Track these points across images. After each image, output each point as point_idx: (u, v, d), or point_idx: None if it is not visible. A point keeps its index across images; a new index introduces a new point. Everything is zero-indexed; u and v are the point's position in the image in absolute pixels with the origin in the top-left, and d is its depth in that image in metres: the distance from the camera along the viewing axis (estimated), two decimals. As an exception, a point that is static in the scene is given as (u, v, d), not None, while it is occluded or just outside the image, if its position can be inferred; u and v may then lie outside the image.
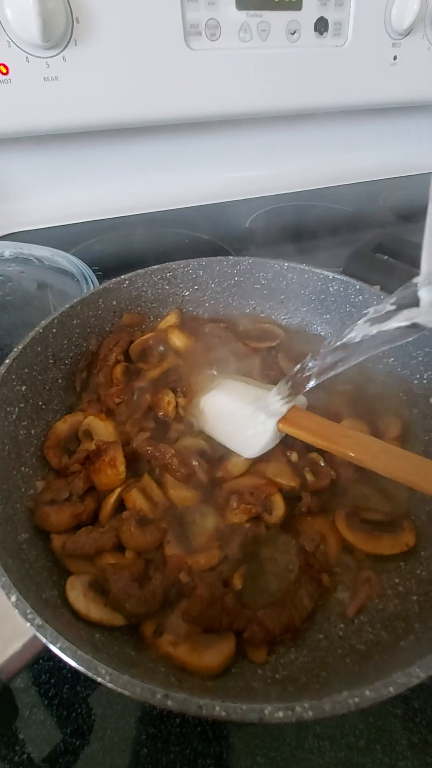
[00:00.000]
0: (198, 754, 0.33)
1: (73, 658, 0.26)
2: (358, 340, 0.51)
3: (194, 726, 0.35)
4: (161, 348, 0.58)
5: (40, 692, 0.37)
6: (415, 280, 0.31)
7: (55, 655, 0.27)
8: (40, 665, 0.38)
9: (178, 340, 0.56)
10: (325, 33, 0.92)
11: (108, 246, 0.91)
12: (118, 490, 0.43)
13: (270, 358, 0.58)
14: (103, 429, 0.46)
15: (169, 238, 0.94)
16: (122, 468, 0.43)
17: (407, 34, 0.97)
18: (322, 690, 0.29)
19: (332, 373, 0.50)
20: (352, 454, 0.37)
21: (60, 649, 0.26)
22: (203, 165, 1.06)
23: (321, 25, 0.91)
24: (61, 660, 0.26)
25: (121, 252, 0.91)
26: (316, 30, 0.91)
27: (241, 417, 0.44)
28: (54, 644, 0.26)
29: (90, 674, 0.26)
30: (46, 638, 0.27)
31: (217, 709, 0.24)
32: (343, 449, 0.37)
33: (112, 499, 0.43)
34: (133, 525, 0.38)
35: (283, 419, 0.42)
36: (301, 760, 0.33)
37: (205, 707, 0.24)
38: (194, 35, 0.84)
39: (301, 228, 1.01)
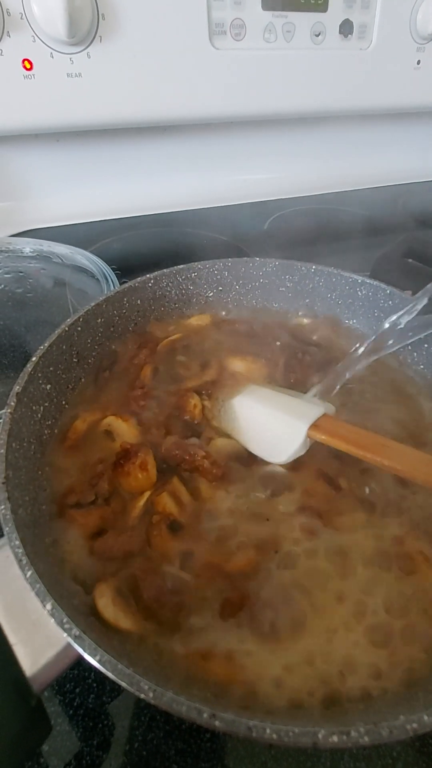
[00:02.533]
0: (230, 772, 0.32)
1: (113, 672, 0.25)
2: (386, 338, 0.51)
3: (225, 742, 0.34)
4: (203, 357, 0.56)
5: (64, 702, 0.36)
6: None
7: (87, 665, 0.26)
8: (65, 674, 0.36)
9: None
10: (350, 35, 0.91)
11: (126, 245, 0.90)
12: (147, 493, 0.42)
13: (294, 361, 0.57)
14: (126, 430, 0.45)
15: (188, 238, 0.94)
16: (154, 471, 0.42)
17: (432, 39, 0.96)
18: (367, 711, 0.28)
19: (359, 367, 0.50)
20: (392, 465, 0.36)
21: (99, 662, 0.25)
22: (223, 166, 1.06)
23: (346, 28, 0.90)
24: (86, 668, 0.25)
25: (139, 251, 0.90)
26: (341, 32, 0.90)
27: (270, 422, 0.44)
28: (93, 657, 0.25)
29: (132, 690, 0.24)
30: (84, 650, 0.25)
31: (268, 731, 0.23)
32: (382, 459, 0.36)
33: (141, 502, 0.42)
34: (164, 530, 0.37)
35: (315, 427, 0.41)
36: (337, 782, 0.32)
37: (255, 729, 0.23)
38: (219, 34, 0.83)
39: (319, 231, 1.00)
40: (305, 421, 0.42)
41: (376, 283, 0.57)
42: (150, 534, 0.38)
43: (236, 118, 0.93)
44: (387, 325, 0.52)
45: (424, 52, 0.98)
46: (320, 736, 0.22)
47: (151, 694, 0.24)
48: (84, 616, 0.31)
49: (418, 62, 0.99)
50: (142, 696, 0.24)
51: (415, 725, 0.23)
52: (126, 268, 0.77)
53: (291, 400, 0.47)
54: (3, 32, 0.72)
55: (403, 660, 0.31)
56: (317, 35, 0.89)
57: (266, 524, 0.39)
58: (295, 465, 0.43)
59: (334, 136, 1.13)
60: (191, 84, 0.84)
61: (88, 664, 0.26)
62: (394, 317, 0.52)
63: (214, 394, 0.51)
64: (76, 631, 0.26)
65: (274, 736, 0.23)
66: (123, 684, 0.24)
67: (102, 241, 0.89)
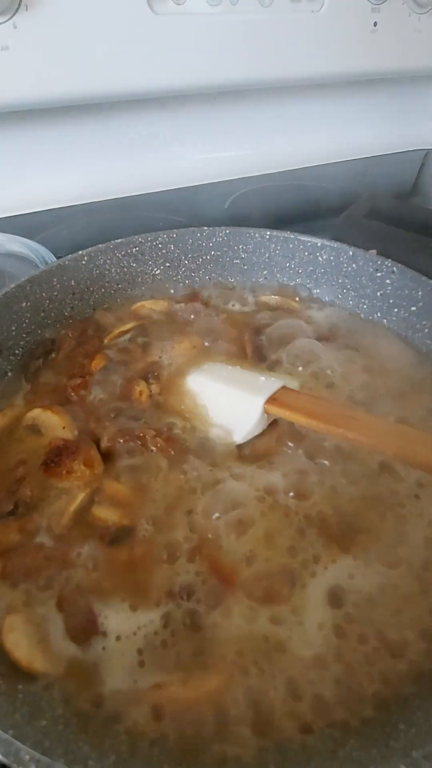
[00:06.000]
0: None
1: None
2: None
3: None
4: (143, 338, 0.51)
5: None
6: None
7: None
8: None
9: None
10: (299, -3, 0.86)
11: (76, 233, 0.84)
12: (80, 496, 0.36)
13: (256, 338, 0.51)
14: (56, 423, 0.39)
15: (142, 222, 0.87)
16: (100, 468, 0.36)
17: (387, -2, 0.91)
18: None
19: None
20: (358, 438, 0.30)
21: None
22: (176, 145, 0.99)
23: (295, -12, 0.85)
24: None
25: (90, 239, 0.83)
26: (289, -7, 0.85)
27: (225, 400, 0.39)
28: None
29: (11, 760, 0.18)
30: None
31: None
32: (346, 432, 0.31)
33: (72, 507, 0.35)
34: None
35: (272, 400, 0.36)
36: None
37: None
38: (158, -1, 0.77)
39: (283, 208, 0.94)
40: (261, 396, 0.37)
41: (337, 245, 0.51)
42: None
43: (182, 92, 0.87)
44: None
45: (380, 13, 0.93)
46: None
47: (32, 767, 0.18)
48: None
49: (375, 24, 0.94)
50: (22, 770, 0.18)
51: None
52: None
53: (248, 375, 0.43)
54: None
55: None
56: (264, -3, 0.83)
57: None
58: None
59: (292, 108, 1.07)
60: (131, 54, 0.78)
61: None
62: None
63: (162, 377, 0.45)
64: None
65: None
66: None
67: (48, 230, 0.82)
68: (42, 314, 0.48)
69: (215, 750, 0.23)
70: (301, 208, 0.95)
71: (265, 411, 0.37)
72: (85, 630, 0.28)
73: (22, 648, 0.27)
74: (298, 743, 0.24)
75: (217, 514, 0.33)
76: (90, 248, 0.50)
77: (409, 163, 1.19)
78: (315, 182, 1.05)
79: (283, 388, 0.38)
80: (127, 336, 0.51)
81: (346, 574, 0.30)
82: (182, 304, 0.55)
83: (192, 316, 0.54)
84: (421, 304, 0.46)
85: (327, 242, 0.52)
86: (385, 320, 0.50)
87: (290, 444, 0.37)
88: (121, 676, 0.27)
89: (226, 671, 0.26)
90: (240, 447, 0.38)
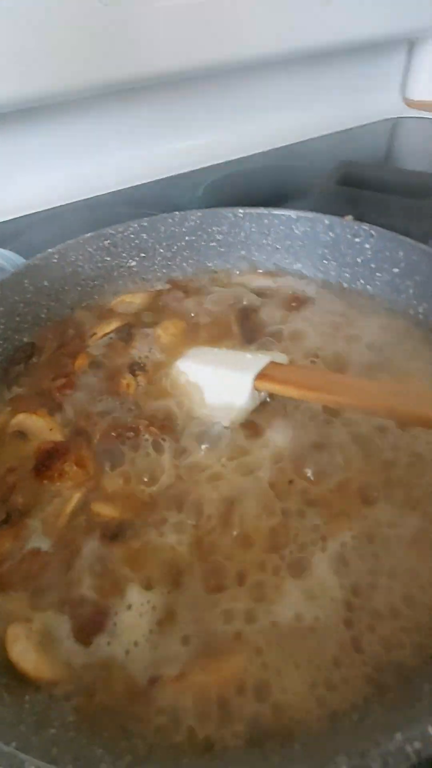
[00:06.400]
0: None
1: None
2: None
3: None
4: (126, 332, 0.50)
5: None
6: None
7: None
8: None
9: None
10: (248, -29, 0.84)
11: (47, 238, 0.82)
12: (76, 496, 0.35)
13: (243, 321, 0.50)
14: (42, 426, 0.38)
15: (116, 218, 0.85)
16: (93, 466, 0.35)
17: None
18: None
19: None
20: (350, 402, 0.29)
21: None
22: (141, 138, 0.98)
23: (242, -37, 0.83)
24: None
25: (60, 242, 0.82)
26: (237, -31, 0.83)
27: (215, 382, 0.38)
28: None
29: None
30: None
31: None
32: (337, 398, 0.30)
33: (68, 508, 0.34)
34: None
35: (262, 376, 0.35)
36: None
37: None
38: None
39: (258, 190, 0.92)
40: (250, 373, 0.36)
41: (312, 215, 0.50)
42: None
43: (139, 82, 0.85)
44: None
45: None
46: None
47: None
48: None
49: (328, -6, 0.92)
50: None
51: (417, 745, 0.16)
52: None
53: (236, 355, 0.42)
54: None
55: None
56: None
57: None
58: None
59: (257, 89, 1.05)
60: (81, 48, 0.76)
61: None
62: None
63: (148, 368, 0.44)
64: None
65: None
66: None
67: (19, 239, 0.80)
68: (17, 318, 0.46)
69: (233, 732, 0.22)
70: (275, 188, 0.94)
71: (256, 387, 0.36)
72: (93, 630, 0.26)
73: (29, 658, 0.26)
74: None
75: (217, 495, 0.32)
76: (59, 245, 0.49)
77: (379, 134, 1.18)
78: (288, 162, 1.03)
79: (272, 363, 0.37)
80: (111, 335, 0.50)
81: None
82: (163, 294, 0.54)
83: (174, 305, 0.52)
84: (403, 264, 0.45)
85: (301, 213, 0.51)
86: (369, 287, 0.49)
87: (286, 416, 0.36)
88: (135, 672, 0.26)
89: (243, 651, 0.26)
90: (235, 425, 0.37)
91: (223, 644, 0.26)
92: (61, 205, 0.91)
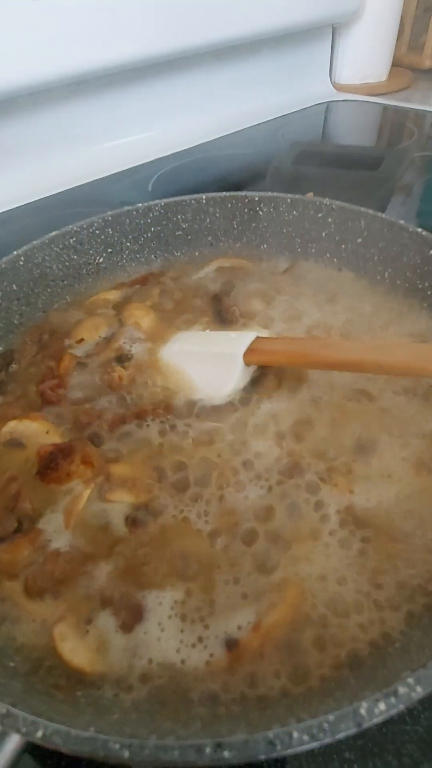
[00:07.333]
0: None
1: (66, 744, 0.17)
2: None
3: None
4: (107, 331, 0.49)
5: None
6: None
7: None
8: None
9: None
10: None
11: (8, 241, 0.78)
12: (86, 492, 0.34)
13: (216, 303, 0.51)
14: (37, 429, 0.37)
15: (67, 220, 0.83)
16: (100, 462, 0.35)
17: None
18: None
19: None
20: (335, 362, 0.31)
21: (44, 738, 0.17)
22: (81, 136, 0.95)
23: None
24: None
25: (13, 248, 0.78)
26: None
27: (205, 364, 0.39)
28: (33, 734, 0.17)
29: (101, 755, 0.17)
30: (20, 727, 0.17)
31: (296, 735, 0.16)
32: (326, 359, 0.31)
33: (80, 504, 0.34)
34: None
35: (251, 351, 0.36)
36: None
37: (279, 740, 0.16)
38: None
39: (208, 179, 0.93)
40: (238, 349, 0.37)
41: (274, 194, 0.51)
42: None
43: (74, 78, 0.83)
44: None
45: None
46: (363, 711, 0.16)
47: (126, 754, 0.16)
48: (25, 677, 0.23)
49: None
50: (117, 760, 0.17)
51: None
52: None
53: (220, 335, 0.43)
54: None
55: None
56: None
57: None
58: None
59: (194, 81, 1.05)
60: (9, 46, 0.73)
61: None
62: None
63: (133, 357, 0.44)
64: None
65: (305, 737, 0.16)
66: (84, 755, 0.17)
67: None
68: (-10, 326, 0.44)
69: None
70: (224, 176, 0.95)
71: (246, 363, 0.37)
72: (133, 617, 0.26)
73: (80, 654, 0.25)
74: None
75: (232, 466, 0.33)
76: (24, 247, 0.47)
77: (313, 117, 1.21)
78: (232, 150, 1.04)
79: (258, 337, 0.38)
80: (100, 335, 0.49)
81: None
82: (135, 287, 0.53)
83: (147, 296, 0.52)
84: (366, 233, 0.48)
85: (264, 194, 0.52)
86: (335, 259, 0.51)
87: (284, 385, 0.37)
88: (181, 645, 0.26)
89: (294, 587, 0.27)
90: (232, 399, 0.38)
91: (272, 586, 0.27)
92: (8, 210, 0.87)
